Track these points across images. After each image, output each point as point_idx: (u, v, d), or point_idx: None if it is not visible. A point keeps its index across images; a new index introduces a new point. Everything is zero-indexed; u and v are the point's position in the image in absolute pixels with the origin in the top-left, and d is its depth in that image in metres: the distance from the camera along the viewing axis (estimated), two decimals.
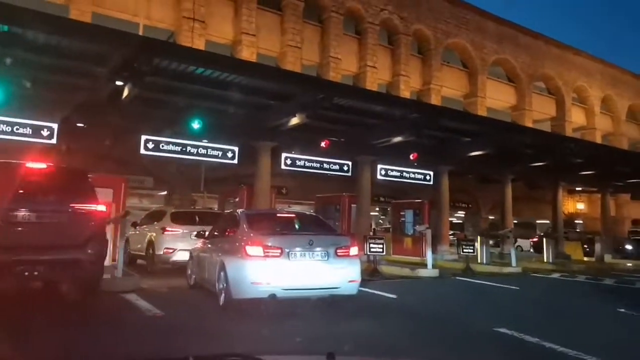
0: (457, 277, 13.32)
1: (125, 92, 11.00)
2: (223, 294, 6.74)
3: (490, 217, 31.91)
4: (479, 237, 16.35)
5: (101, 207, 7.32)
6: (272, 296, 6.17)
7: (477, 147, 17.03)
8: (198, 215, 12.48)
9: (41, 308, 6.67)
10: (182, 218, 11.90)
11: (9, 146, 13.71)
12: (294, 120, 13.17)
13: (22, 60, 10.03)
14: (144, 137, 12.63)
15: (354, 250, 6.73)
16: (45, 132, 11.31)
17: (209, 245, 8.05)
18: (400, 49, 28.43)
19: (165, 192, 22.36)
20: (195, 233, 9.60)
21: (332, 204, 17.10)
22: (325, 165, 15.63)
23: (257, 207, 14.18)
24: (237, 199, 15.06)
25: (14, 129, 11.02)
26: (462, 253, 14.75)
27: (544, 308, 8.53)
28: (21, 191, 6.69)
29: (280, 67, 21.47)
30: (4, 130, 10.91)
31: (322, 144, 14.89)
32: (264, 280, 6.13)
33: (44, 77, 10.98)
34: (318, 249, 6.40)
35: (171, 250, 11.18)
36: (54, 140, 11.42)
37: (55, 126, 11.44)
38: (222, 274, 6.80)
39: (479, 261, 15.75)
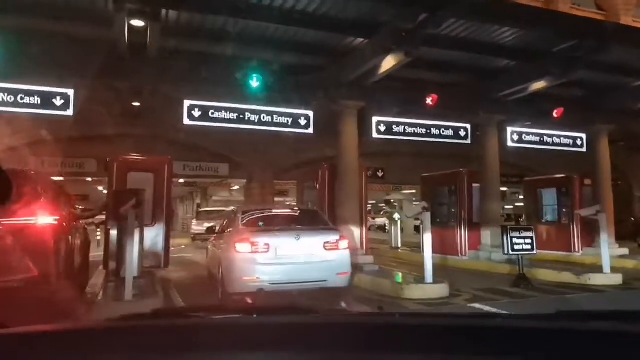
0: None
1: (149, 39, 7.95)
2: (220, 288, 6.91)
3: None
4: None
5: (41, 219, 5.39)
6: (260, 290, 6.20)
7: None
8: None
9: None
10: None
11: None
12: (386, 64, 9.24)
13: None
14: (187, 103, 9.53)
15: (343, 244, 6.83)
16: (58, 101, 8.60)
17: (216, 241, 8.37)
18: None
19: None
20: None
21: (444, 185, 12.87)
22: (434, 131, 11.49)
23: (343, 192, 10.50)
24: (317, 185, 11.48)
25: (18, 98, 8.40)
26: None
27: None
28: None
29: None
30: (5, 100, 8.32)
31: (428, 101, 10.78)
32: (252, 275, 6.33)
33: (48, 28, 8.25)
34: (305, 243, 6.60)
35: None
36: (69, 112, 8.67)
37: (70, 93, 8.69)
38: (220, 268, 7.04)
39: None
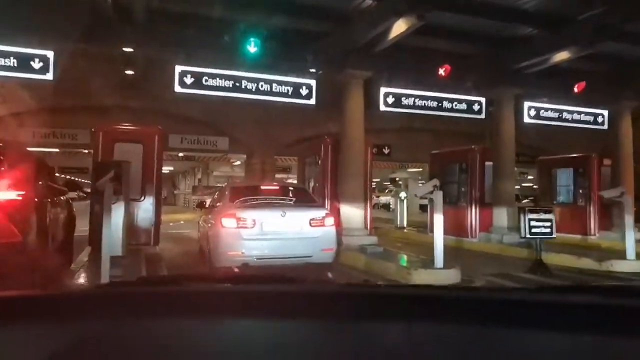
0: None
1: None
2: (208, 263, 7.10)
3: None
4: None
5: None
6: (245, 265, 6.35)
7: None
8: None
9: None
10: None
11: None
12: (396, 29, 8.43)
13: None
14: (178, 69, 8.78)
15: (329, 221, 6.96)
16: (36, 64, 7.87)
17: (205, 216, 8.37)
18: None
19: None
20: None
21: (455, 163, 12.11)
22: (446, 104, 10.71)
23: (346, 168, 9.82)
24: (319, 160, 10.78)
25: None
26: None
27: None
28: None
29: None
30: None
31: (441, 71, 9.98)
32: (238, 250, 6.45)
33: None
34: (291, 220, 6.69)
35: None
36: (49, 76, 7.95)
37: (50, 55, 7.95)
38: (207, 243, 7.24)
39: None
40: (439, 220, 6.78)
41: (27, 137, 14.89)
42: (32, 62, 7.82)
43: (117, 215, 6.98)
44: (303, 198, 7.79)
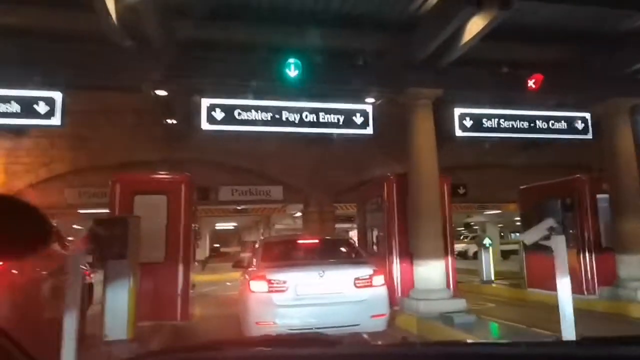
0: None
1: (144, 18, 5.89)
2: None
3: None
4: None
5: None
6: None
7: None
8: None
9: None
10: None
11: None
12: (471, 29, 6.57)
13: None
14: (205, 102, 7.35)
15: (378, 280, 5.94)
16: (41, 108, 6.73)
17: (242, 277, 7.09)
18: None
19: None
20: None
21: (554, 198, 9.66)
22: (540, 124, 8.45)
23: (417, 212, 7.77)
24: (381, 204, 8.80)
25: None
26: None
27: None
28: None
29: None
30: None
31: (530, 83, 7.90)
32: (269, 319, 5.57)
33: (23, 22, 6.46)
34: (331, 280, 5.77)
35: None
36: (56, 121, 6.77)
37: (57, 97, 6.80)
38: (239, 309, 6.38)
39: None
40: (564, 279, 4.53)
41: (73, 198, 14.32)
42: (35, 106, 6.69)
43: (119, 286, 5.40)
44: (346, 253, 6.81)
